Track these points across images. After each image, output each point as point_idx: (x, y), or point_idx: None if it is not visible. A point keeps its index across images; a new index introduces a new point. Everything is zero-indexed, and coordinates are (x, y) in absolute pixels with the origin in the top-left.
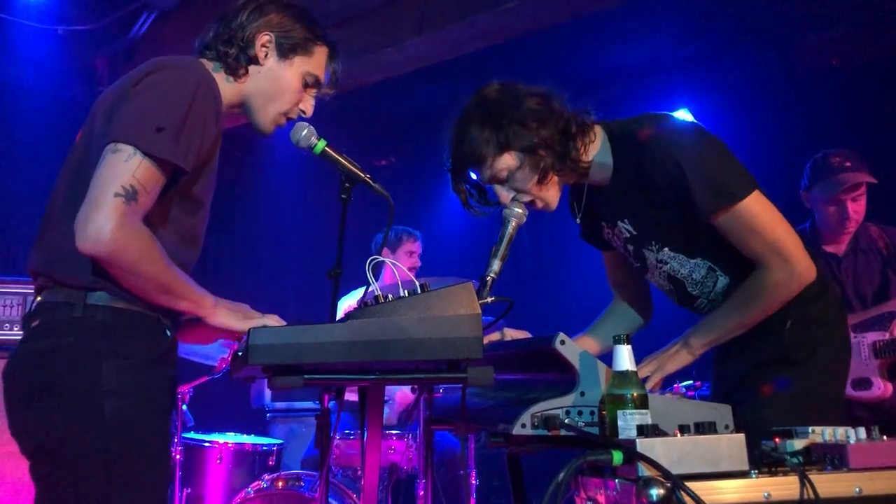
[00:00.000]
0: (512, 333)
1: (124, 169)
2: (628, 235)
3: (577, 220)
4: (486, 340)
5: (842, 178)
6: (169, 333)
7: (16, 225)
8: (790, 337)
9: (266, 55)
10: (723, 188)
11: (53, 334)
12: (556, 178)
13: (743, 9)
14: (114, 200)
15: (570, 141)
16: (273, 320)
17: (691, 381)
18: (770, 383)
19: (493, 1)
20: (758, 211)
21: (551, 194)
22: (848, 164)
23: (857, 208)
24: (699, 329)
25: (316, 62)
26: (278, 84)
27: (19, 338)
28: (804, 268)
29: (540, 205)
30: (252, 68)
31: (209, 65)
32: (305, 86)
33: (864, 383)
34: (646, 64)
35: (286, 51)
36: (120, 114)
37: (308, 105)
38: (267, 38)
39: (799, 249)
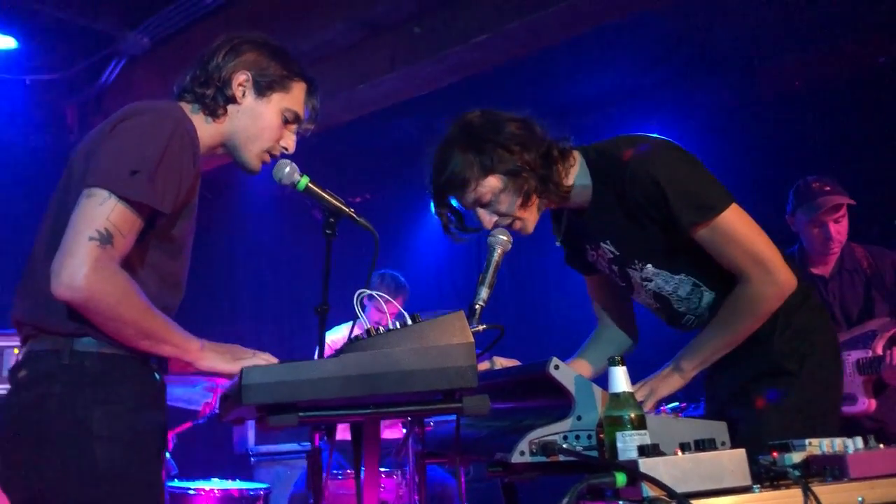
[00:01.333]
0: (502, 362)
1: (98, 213)
2: (612, 256)
3: (558, 244)
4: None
5: (822, 200)
6: (158, 377)
7: None
8: (780, 347)
9: (244, 94)
10: (701, 202)
11: (41, 384)
12: (536, 201)
13: (706, 35)
14: (88, 244)
15: (552, 165)
16: (264, 359)
17: (677, 403)
18: (765, 397)
19: (463, 35)
20: (736, 223)
21: (531, 216)
22: (827, 188)
23: (839, 229)
24: (688, 350)
25: (294, 98)
26: (258, 122)
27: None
28: (785, 277)
29: (518, 226)
30: (231, 108)
31: (187, 107)
32: (285, 122)
33: (850, 399)
34: (613, 91)
35: (264, 88)
36: (95, 159)
37: (290, 141)
38: (244, 76)
39: (778, 259)
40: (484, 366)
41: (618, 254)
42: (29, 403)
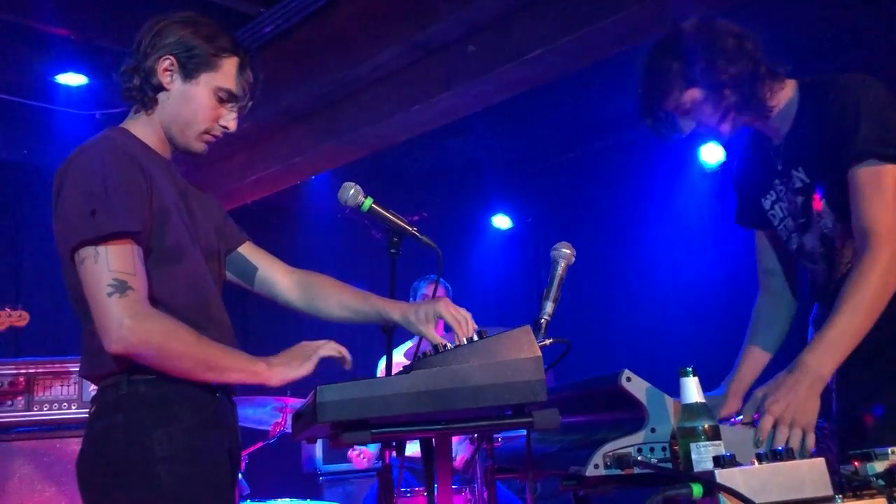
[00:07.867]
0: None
1: (98, 269)
2: (801, 185)
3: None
4: None
5: None
6: (219, 395)
7: (66, 306)
8: None
9: (171, 79)
10: (888, 140)
11: (106, 415)
12: (736, 117)
13: None
14: (111, 301)
15: (758, 83)
16: (332, 347)
17: None
18: (872, 409)
19: (516, 51)
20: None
21: (729, 130)
22: None
23: None
24: (815, 347)
25: (224, 75)
26: (189, 105)
27: (77, 416)
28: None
29: (714, 136)
30: (161, 96)
31: (132, 116)
32: (220, 101)
33: None
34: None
35: (190, 70)
36: (60, 225)
37: (229, 121)
38: (168, 61)
39: None
40: None
41: (808, 181)
42: (97, 435)
